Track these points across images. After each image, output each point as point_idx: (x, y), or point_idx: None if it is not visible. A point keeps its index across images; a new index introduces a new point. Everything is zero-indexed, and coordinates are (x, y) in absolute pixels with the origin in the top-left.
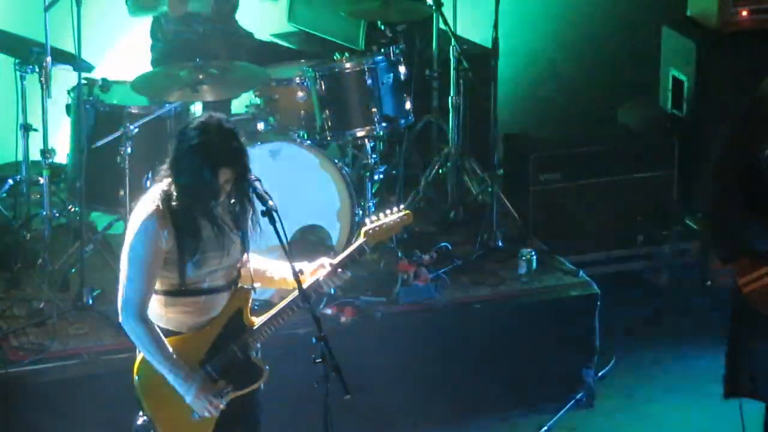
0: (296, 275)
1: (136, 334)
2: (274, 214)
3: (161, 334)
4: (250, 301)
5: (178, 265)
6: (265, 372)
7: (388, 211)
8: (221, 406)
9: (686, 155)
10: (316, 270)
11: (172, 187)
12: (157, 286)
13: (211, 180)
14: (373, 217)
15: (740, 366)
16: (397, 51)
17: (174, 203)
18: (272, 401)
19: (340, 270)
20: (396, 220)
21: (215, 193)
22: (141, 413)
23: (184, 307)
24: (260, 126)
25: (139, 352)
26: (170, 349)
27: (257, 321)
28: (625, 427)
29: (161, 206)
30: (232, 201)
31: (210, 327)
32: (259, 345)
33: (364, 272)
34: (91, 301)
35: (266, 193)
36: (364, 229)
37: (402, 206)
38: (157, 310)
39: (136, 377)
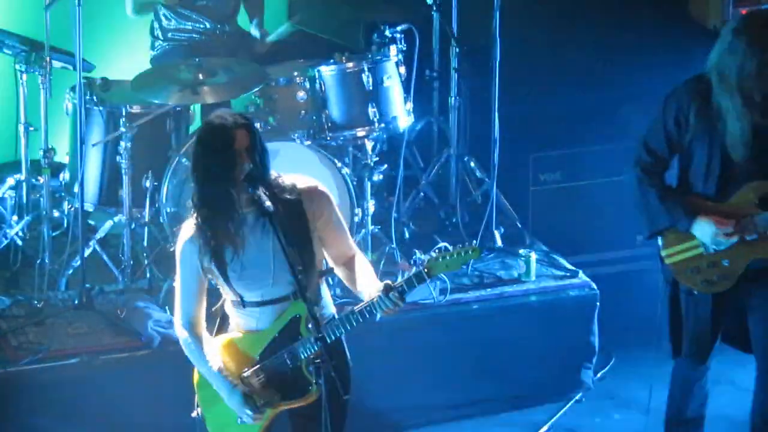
0: (295, 276)
1: (181, 343)
2: (273, 216)
3: (202, 351)
4: (311, 311)
5: (224, 280)
6: (313, 389)
7: (459, 246)
8: (260, 420)
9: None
10: (374, 291)
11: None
12: (226, 296)
13: (222, 173)
14: (440, 247)
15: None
16: (397, 51)
17: (199, 219)
18: None
19: (395, 294)
20: (462, 255)
21: (231, 201)
22: (196, 406)
23: (249, 315)
24: (260, 126)
25: None
26: (212, 365)
27: (312, 333)
28: (623, 428)
29: (194, 223)
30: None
31: (267, 330)
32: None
33: None
34: (90, 301)
35: (265, 194)
36: (428, 258)
37: (475, 242)
38: (235, 317)
39: (194, 371)
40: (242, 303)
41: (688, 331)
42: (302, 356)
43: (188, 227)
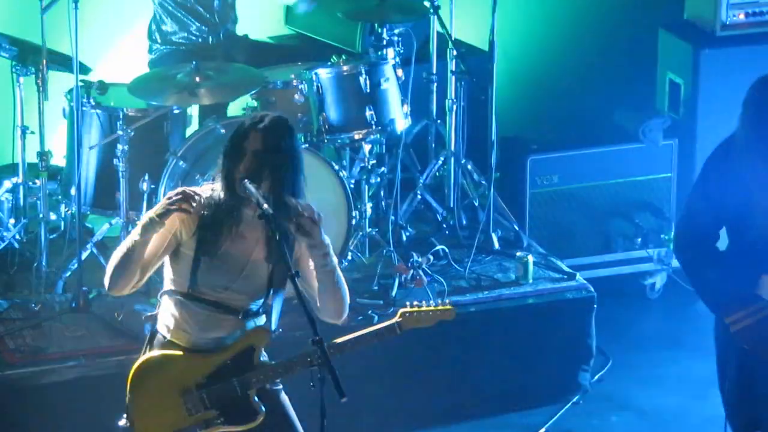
0: (292, 278)
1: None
2: (271, 217)
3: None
4: (266, 343)
5: (192, 263)
6: (259, 416)
7: (432, 303)
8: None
9: (683, 158)
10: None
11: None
12: (172, 286)
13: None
14: (415, 302)
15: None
16: (395, 54)
17: (207, 198)
18: None
19: (363, 341)
20: (437, 313)
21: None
22: (124, 416)
23: (189, 316)
24: None
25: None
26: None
27: (267, 365)
28: (621, 430)
29: (201, 197)
30: (274, 231)
31: (217, 355)
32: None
33: (361, 275)
34: (87, 304)
35: (263, 195)
36: (402, 310)
37: (447, 301)
38: (173, 310)
39: (128, 380)
40: (191, 296)
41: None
42: (254, 386)
43: (202, 189)
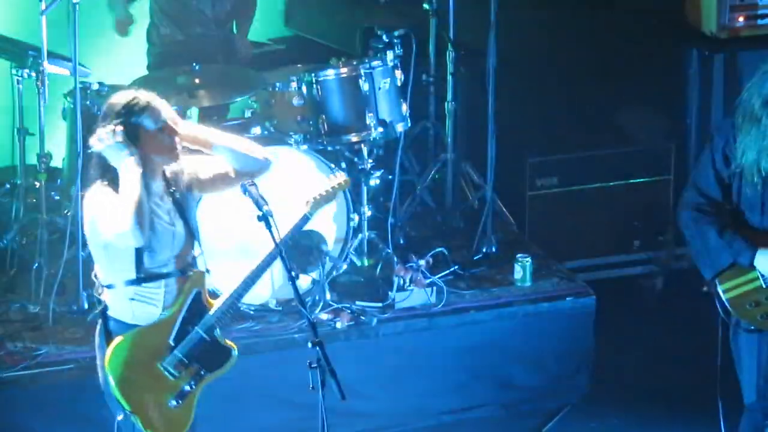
0: (292, 280)
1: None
2: (270, 219)
3: None
4: (205, 282)
5: (134, 251)
6: (234, 352)
7: (327, 179)
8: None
9: (682, 161)
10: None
11: None
12: (117, 279)
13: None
14: (314, 189)
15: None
16: (394, 56)
17: None
18: (268, 406)
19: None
20: (335, 187)
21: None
22: (121, 412)
23: (151, 295)
24: (257, 131)
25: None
26: None
27: (216, 303)
28: None
29: None
30: (173, 189)
31: (172, 313)
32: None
33: (360, 278)
34: (86, 306)
35: (261, 198)
36: (306, 200)
37: (339, 172)
38: (124, 305)
39: (109, 376)
40: (143, 279)
41: (757, 372)
42: (217, 325)
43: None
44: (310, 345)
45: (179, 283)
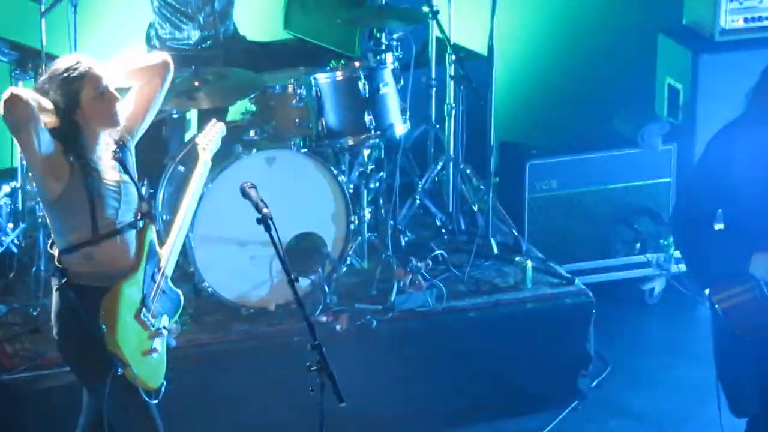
0: (292, 282)
1: None
2: (269, 222)
3: None
4: (154, 226)
5: (88, 208)
6: (181, 297)
7: (206, 127)
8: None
9: (682, 163)
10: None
11: None
12: (76, 239)
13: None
14: (200, 135)
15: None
16: (394, 58)
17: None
18: (267, 408)
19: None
20: (216, 130)
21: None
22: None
23: (113, 252)
24: (256, 133)
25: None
26: None
27: (165, 249)
28: None
29: None
30: (115, 150)
31: (134, 268)
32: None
33: (360, 280)
34: None
35: (261, 200)
36: (199, 149)
37: (214, 120)
38: (83, 269)
39: (110, 333)
40: (102, 237)
41: (756, 382)
42: (169, 271)
43: None
44: (309, 347)
45: (138, 236)
